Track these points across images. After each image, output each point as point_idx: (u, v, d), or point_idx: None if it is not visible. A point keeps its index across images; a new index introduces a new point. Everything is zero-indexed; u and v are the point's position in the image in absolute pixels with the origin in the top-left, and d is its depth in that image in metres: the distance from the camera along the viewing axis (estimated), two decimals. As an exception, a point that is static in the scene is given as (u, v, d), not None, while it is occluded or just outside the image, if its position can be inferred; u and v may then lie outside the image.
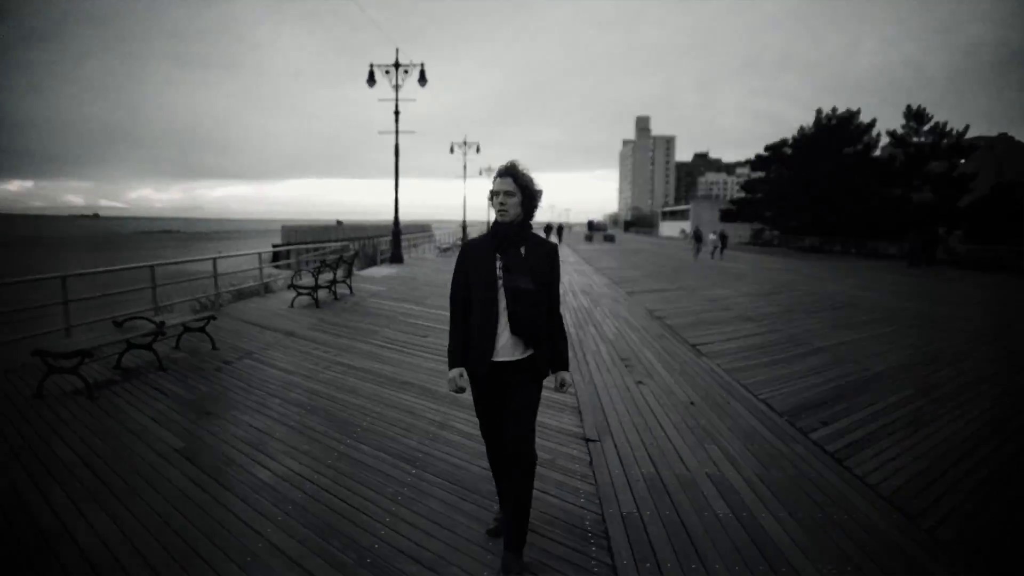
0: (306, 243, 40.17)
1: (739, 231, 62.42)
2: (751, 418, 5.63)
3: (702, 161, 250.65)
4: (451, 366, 3.14)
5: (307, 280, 12.17)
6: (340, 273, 13.33)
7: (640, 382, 6.79)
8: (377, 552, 3.25)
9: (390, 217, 24.39)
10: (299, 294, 11.83)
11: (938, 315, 12.50)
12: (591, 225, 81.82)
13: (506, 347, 3.06)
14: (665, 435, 5.15)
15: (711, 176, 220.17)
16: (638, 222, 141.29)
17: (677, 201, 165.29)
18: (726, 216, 59.85)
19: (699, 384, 6.77)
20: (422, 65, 23.03)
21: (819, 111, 46.39)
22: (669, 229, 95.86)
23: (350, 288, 13.84)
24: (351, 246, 19.63)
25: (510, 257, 3.06)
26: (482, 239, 3.22)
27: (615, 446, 4.87)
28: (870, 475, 4.37)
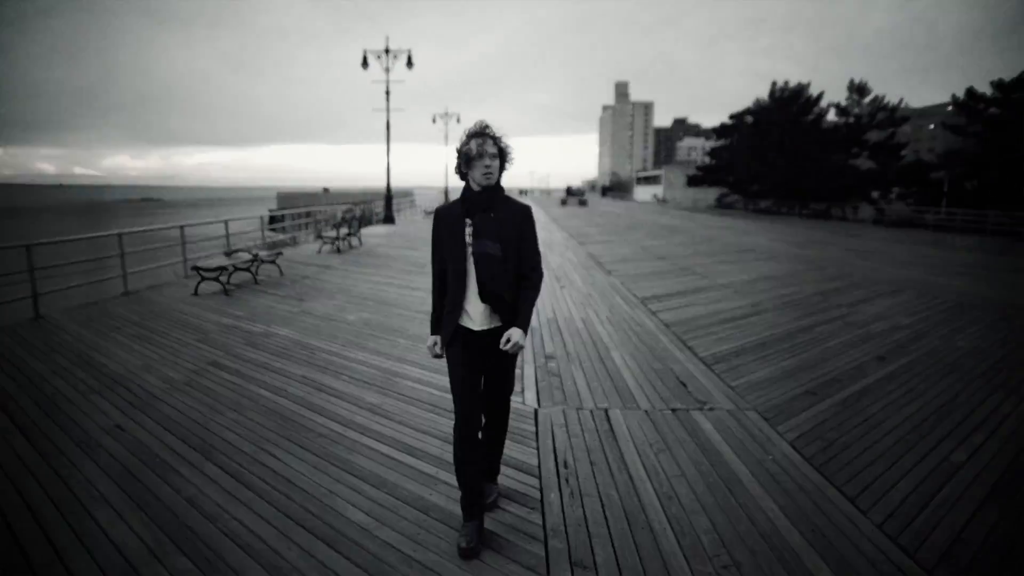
0: (298, 208, 43.78)
1: (705, 195, 66.75)
2: (619, 299, 9.70)
3: (681, 127, 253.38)
4: (431, 332, 3.24)
5: (330, 233, 16.07)
6: (352, 228, 17.21)
7: (563, 287, 10.83)
8: (422, 337, 7.24)
9: (373, 183, 28.75)
10: (325, 243, 15.77)
11: (806, 256, 16.64)
12: (569, 191, 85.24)
13: (481, 315, 3.05)
14: (566, 306, 9.19)
15: (689, 141, 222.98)
16: (615, 187, 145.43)
17: (656, 166, 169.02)
18: (692, 181, 63.98)
19: (598, 287, 10.84)
20: (409, 52, 26.65)
21: (774, 83, 50.28)
22: (643, 194, 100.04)
23: (360, 240, 17.74)
24: (356, 209, 23.38)
25: (479, 222, 3.00)
26: (453, 204, 3.16)
27: (537, 309, 8.89)
28: (664, 318, 8.44)
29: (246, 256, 11.09)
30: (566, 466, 3.98)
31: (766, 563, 2.98)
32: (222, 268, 9.98)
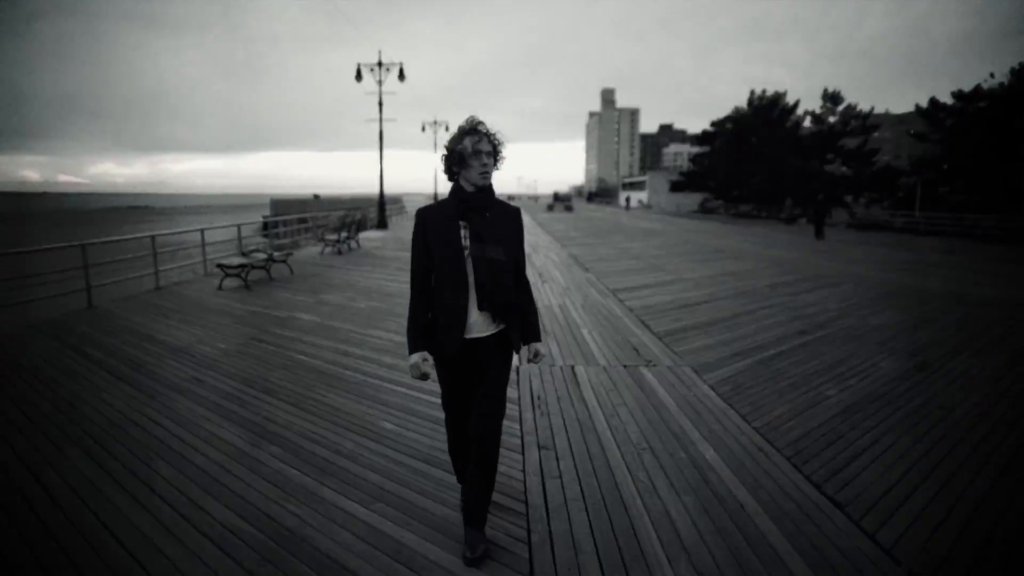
0: (292, 216, 45.08)
1: (688, 200, 68.47)
2: (593, 291, 11.10)
3: (667, 133, 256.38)
4: (411, 351, 2.94)
5: (332, 236, 17.41)
6: (351, 232, 18.56)
7: (544, 281, 12.22)
8: (419, 318, 8.64)
9: (362, 190, 30.01)
10: (327, 245, 17.11)
11: (770, 255, 18.13)
12: (556, 196, 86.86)
13: (476, 323, 2.94)
14: (547, 296, 10.57)
15: (675, 147, 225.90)
16: (602, 193, 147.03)
17: (642, 172, 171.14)
18: (675, 187, 65.69)
19: (576, 281, 12.25)
20: (401, 65, 28.02)
21: (752, 92, 52.21)
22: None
23: (358, 243, 19.09)
24: (354, 214, 24.72)
25: (478, 224, 2.89)
26: (441, 206, 3.00)
27: (521, 299, 10.28)
28: (630, 304, 9.84)
29: (262, 256, 12.42)
30: (539, 398, 5.37)
31: (671, 447, 4.36)
32: (243, 266, 11.32)
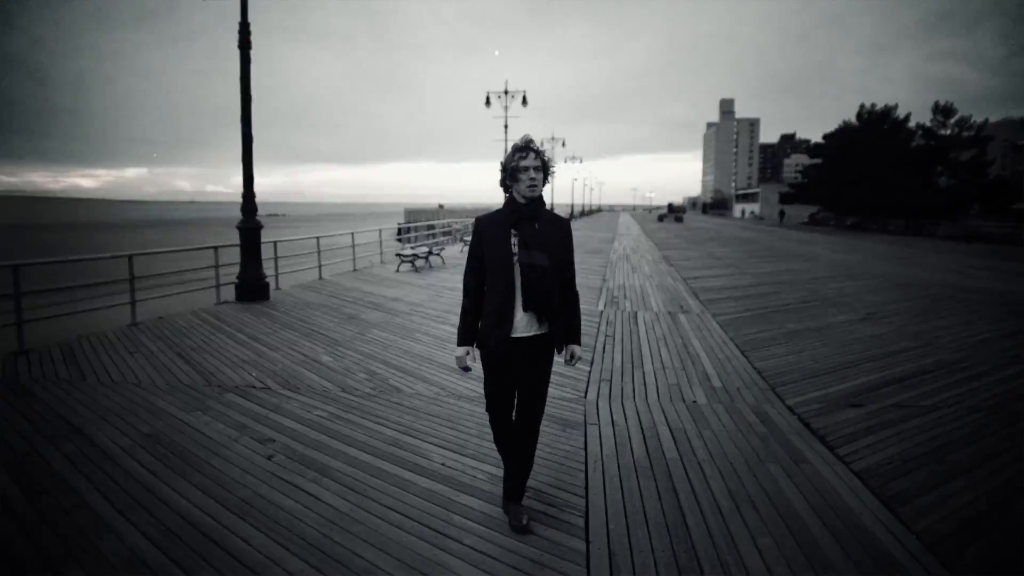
0: (422, 223, 50.97)
1: (800, 212, 69.41)
2: (668, 278, 14.76)
3: (789, 142, 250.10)
4: (459, 343, 3.27)
5: (468, 237, 21.90)
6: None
7: (634, 270, 15.98)
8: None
9: (483, 201, 34.47)
10: (465, 244, 21.62)
11: (836, 260, 20.97)
12: (670, 207, 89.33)
13: (522, 323, 3.17)
14: (634, 279, 14.34)
15: (796, 158, 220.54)
16: (716, 205, 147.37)
17: (761, 183, 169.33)
18: (784, 198, 66.91)
19: (659, 272, 15.96)
20: (524, 93, 32.50)
21: (861, 105, 53.34)
22: (741, 211, 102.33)
23: (488, 244, 23.52)
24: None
25: (526, 233, 3.13)
26: (496, 215, 3.27)
27: (614, 283, 14.10)
28: (691, 285, 13.46)
29: (425, 250, 16.93)
30: (609, 323, 9.26)
31: (676, 341, 8.16)
32: (415, 255, 15.82)
